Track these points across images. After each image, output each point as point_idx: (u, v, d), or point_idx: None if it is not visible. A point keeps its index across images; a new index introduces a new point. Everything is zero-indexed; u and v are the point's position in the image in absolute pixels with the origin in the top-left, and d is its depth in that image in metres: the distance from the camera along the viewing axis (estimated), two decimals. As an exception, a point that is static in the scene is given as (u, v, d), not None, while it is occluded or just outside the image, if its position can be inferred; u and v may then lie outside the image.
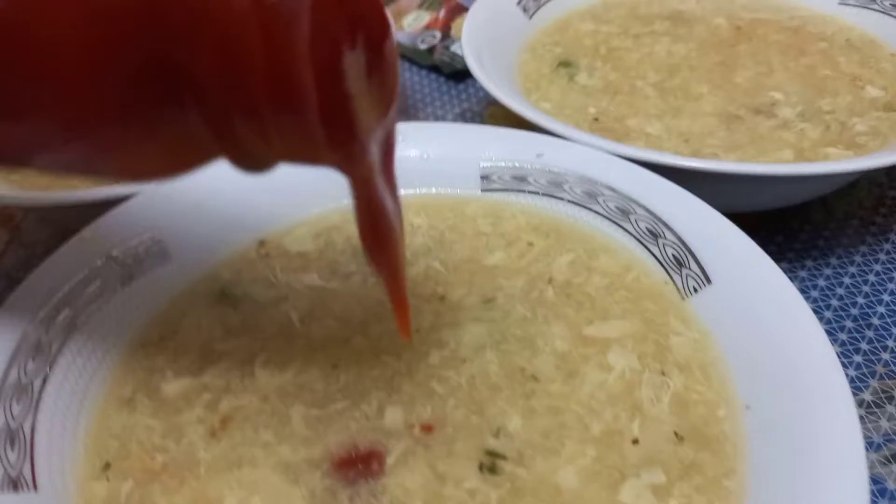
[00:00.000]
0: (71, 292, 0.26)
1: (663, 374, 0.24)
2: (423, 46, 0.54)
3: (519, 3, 0.46)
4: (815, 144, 0.35)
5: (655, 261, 0.28)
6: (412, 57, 0.55)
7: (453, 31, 0.55)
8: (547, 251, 0.30)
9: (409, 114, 0.50)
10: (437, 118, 0.49)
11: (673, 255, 0.28)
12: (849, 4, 0.45)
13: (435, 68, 0.54)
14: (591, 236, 0.30)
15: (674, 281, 0.27)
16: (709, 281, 0.26)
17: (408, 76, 0.54)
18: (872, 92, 0.39)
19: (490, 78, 0.37)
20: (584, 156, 0.31)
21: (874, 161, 0.30)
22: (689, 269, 0.27)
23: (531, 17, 0.46)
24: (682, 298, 0.27)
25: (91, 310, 0.26)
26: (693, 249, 0.27)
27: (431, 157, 0.33)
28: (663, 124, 0.37)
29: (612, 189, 0.30)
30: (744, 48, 0.43)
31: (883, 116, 0.37)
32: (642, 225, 0.29)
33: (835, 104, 0.38)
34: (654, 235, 0.28)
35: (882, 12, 0.43)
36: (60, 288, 0.26)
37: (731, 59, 0.42)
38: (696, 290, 0.26)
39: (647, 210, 0.29)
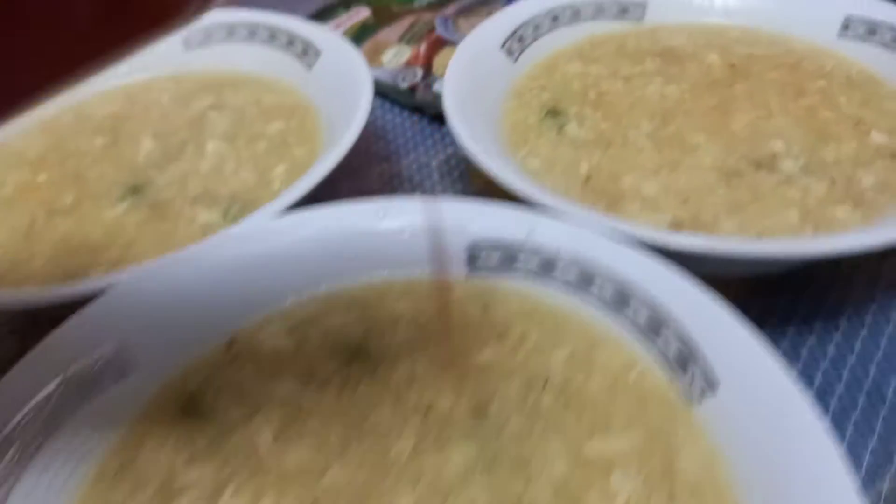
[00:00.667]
0: (20, 426, 0.24)
1: (671, 499, 0.22)
2: (404, 85, 0.52)
3: (503, 45, 0.43)
4: (821, 202, 0.33)
5: (658, 356, 0.26)
6: (394, 97, 0.53)
7: (435, 68, 0.53)
8: (542, 345, 0.28)
9: (392, 160, 0.48)
10: (420, 165, 0.47)
11: (676, 353, 0.25)
12: (847, 38, 0.42)
13: (418, 109, 0.52)
14: (588, 325, 0.28)
15: (679, 382, 0.25)
16: (716, 385, 0.24)
17: (389, 118, 0.52)
18: (877, 138, 0.37)
19: (474, 136, 0.35)
20: (576, 235, 0.29)
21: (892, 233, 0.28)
22: (695, 370, 0.25)
23: (516, 59, 0.43)
24: (689, 404, 0.25)
25: (42, 443, 0.24)
26: (698, 348, 0.25)
27: (415, 233, 0.31)
28: (660, 183, 0.35)
29: (608, 272, 0.28)
30: (740, 88, 0.41)
31: (890, 167, 0.35)
32: (642, 316, 0.27)
33: (839, 153, 0.36)
34: (655, 329, 0.26)
35: (882, 46, 0.41)
36: (7, 423, 0.24)
37: (728, 102, 0.40)
38: (703, 393, 0.24)
39: (646, 299, 0.27)
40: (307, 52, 0.45)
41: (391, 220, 0.32)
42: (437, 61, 0.54)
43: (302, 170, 0.37)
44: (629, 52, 0.45)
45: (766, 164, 0.36)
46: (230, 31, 0.48)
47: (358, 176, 0.47)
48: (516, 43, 0.44)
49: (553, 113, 0.40)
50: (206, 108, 0.44)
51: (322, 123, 0.42)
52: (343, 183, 0.45)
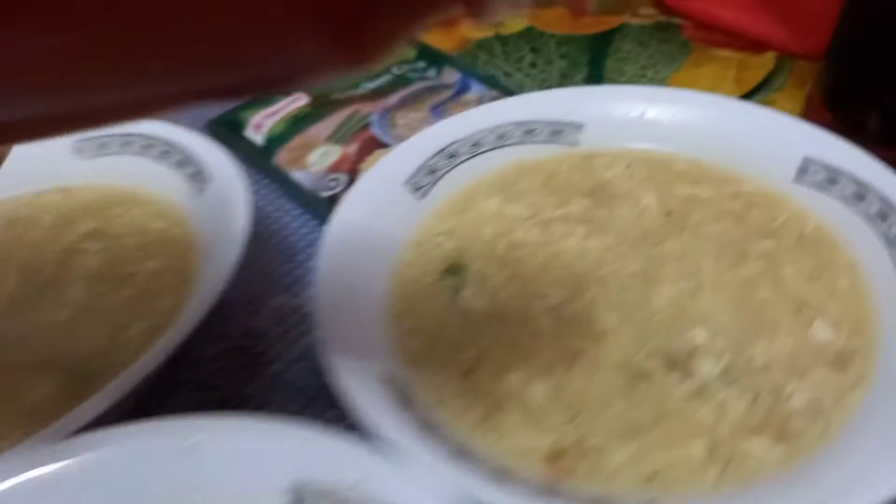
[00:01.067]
0: None
1: None
2: (324, 195, 0.47)
3: (409, 181, 0.38)
4: (735, 431, 0.27)
5: None
6: (311, 209, 0.48)
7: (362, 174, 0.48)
8: None
9: (294, 290, 0.43)
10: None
11: None
12: (804, 183, 0.36)
13: (335, 223, 0.47)
14: None
15: None
16: None
17: (304, 234, 0.47)
18: (820, 332, 0.31)
19: (342, 332, 0.29)
20: (417, 489, 0.24)
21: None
22: None
23: (424, 196, 0.38)
24: None
25: None
26: None
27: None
28: (551, 385, 0.29)
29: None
30: (672, 246, 0.35)
31: (829, 379, 0.29)
32: None
33: (770, 353, 0.30)
34: None
35: (842, 201, 0.35)
36: None
37: (654, 266, 0.34)
38: None
39: None
40: (198, 177, 0.41)
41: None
42: (366, 165, 0.49)
43: (160, 330, 0.33)
44: (557, 186, 0.39)
45: (682, 363, 0.30)
46: (125, 142, 0.44)
47: (251, 308, 0.42)
48: (426, 176, 0.39)
49: (452, 270, 0.35)
50: (84, 237, 0.40)
51: (199, 267, 0.37)
52: (235, 320, 0.40)
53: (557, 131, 0.41)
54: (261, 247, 0.44)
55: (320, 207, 0.47)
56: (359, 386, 0.27)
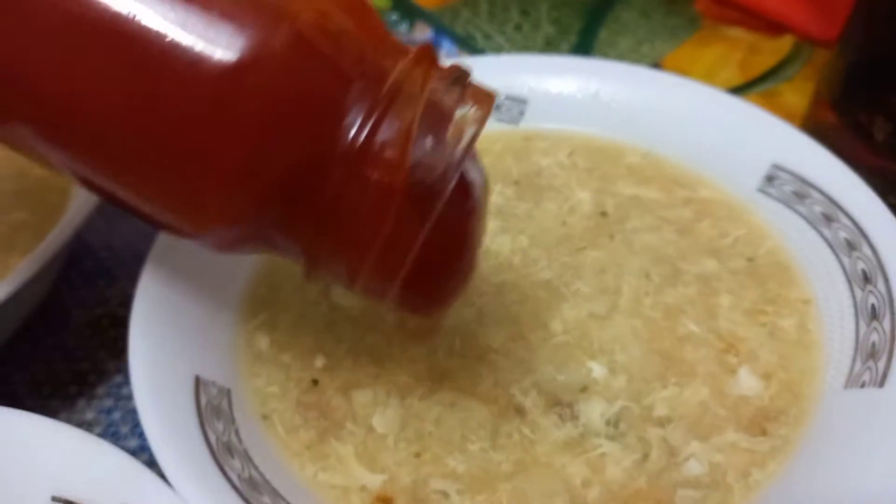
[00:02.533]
0: None
1: None
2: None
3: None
4: (607, 496, 0.22)
5: None
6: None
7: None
8: None
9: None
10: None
11: None
12: (769, 195, 0.30)
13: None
14: None
15: None
16: None
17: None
18: (746, 381, 0.25)
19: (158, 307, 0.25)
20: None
21: None
22: None
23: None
24: None
25: None
26: None
27: None
28: (400, 412, 0.24)
29: None
30: (593, 257, 0.29)
31: (741, 444, 0.23)
32: None
33: (676, 403, 0.24)
34: None
35: (808, 223, 0.28)
36: None
37: (565, 280, 0.28)
38: None
39: None
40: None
41: None
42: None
43: None
44: (493, 170, 0.33)
45: (566, 403, 0.24)
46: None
47: (135, 277, 0.37)
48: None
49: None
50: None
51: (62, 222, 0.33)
52: (117, 284, 0.36)
53: (497, 104, 0.35)
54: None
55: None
56: (153, 391, 0.22)
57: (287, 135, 0.16)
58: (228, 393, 0.24)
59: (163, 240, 0.27)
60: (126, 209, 0.19)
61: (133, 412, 0.32)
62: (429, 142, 0.17)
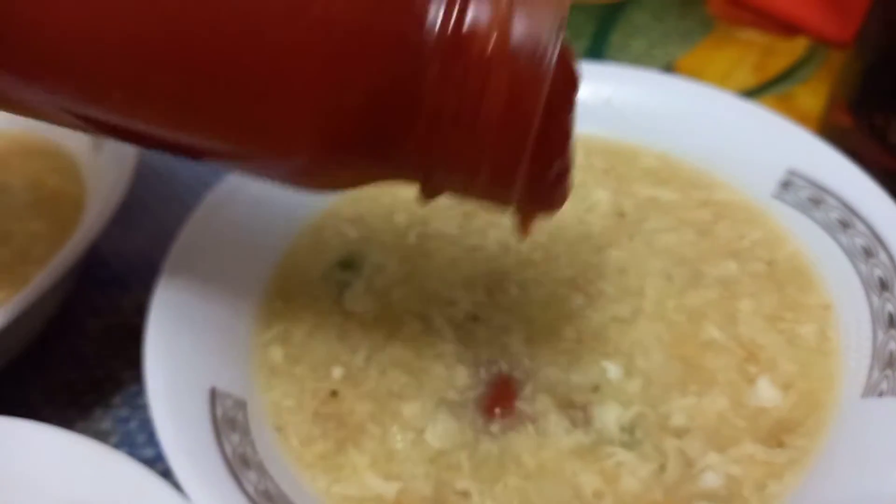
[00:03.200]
0: None
1: None
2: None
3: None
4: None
5: None
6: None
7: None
8: None
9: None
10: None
11: None
12: (785, 201, 0.30)
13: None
14: None
15: None
16: None
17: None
18: (765, 391, 0.24)
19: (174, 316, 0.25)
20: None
21: None
22: None
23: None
24: None
25: None
26: None
27: None
28: (413, 425, 0.24)
29: None
30: (615, 256, 0.29)
31: (758, 455, 0.23)
32: None
33: (695, 412, 0.24)
34: None
35: (825, 228, 0.28)
36: None
37: (587, 278, 0.28)
38: None
39: None
40: (102, 129, 0.36)
41: None
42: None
43: None
44: (498, 173, 0.33)
45: (580, 405, 0.24)
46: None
47: (149, 286, 0.37)
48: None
49: (346, 263, 0.30)
50: (-23, 187, 0.37)
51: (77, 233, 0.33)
52: (131, 293, 0.36)
53: (509, 111, 0.35)
54: (174, 209, 0.40)
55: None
56: (169, 403, 0.22)
57: (370, 46, 0.16)
58: (244, 405, 0.24)
59: (177, 250, 0.27)
60: (206, 154, 0.19)
61: (149, 421, 0.32)
62: (523, 12, 0.16)
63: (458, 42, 0.16)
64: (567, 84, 0.18)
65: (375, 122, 0.17)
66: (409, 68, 0.16)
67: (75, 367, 0.34)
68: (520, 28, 0.16)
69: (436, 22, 0.16)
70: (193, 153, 0.19)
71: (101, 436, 0.31)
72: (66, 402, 0.32)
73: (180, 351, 0.24)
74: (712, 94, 0.33)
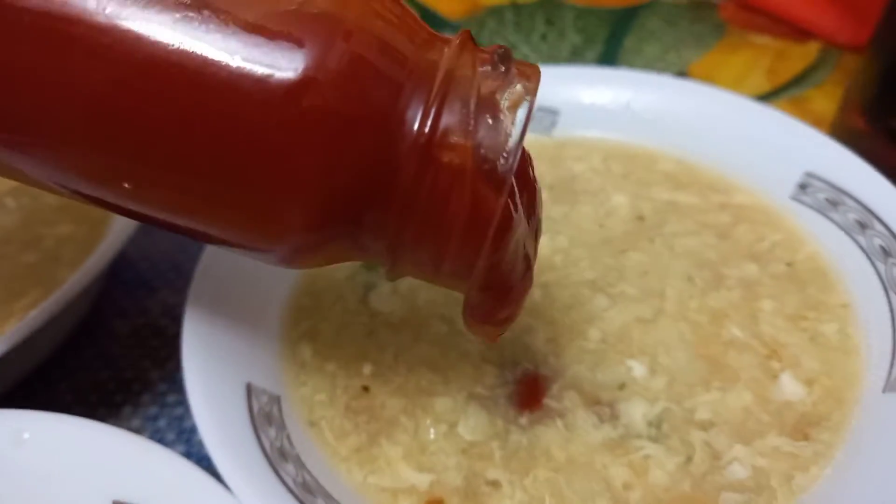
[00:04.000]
0: None
1: None
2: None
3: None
4: (651, 499, 0.22)
5: None
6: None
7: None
8: None
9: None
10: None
11: None
12: (803, 203, 0.30)
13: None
14: None
15: None
16: None
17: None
18: (788, 386, 0.25)
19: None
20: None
21: None
22: None
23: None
24: None
25: None
26: None
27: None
28: (444, 421, 0.25)
29: None
30: (636, 259, 0.30)
31: (784, 448, 0.23)
32: None
33: (720, 407, 0.24)
34: None
35: (843, 230, 0.28)
36: None
37: (608, 280, 0.29)
38: None
39: None
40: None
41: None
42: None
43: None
44: (517, 176, 0.34)
45: (606, 402, 0.25)
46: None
47: (179, 284, 0.38)
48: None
49: (371, 265, 0.31)
50: (6, 192, 0.37)
51: (108, 236, 0.34)
52: (158, 295, 0.37)
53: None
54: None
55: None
56: (208, 399, 0.23)
57: (353, 142, 0.17)
58: (279, 400, 0.25)
59: (209, 254, 0.28)
60: (185, 232, 0.20)
61: (178, 419, 0.33)
62: (488, 120, 0.17)
63: (430, 147, 0.17)
64: (528, 188, 0.20)
65: (356, 206, 0.18)
66: (389, 160, 0.17)
67: (104, 367, 0.34)
68: (486, 139, 0.17)
69: (413, 123, 0.17)
70: (191, 236, 0.20)
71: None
72: (97, 402, 0.33)
73: (216, 350, 0.25)
74: (729, 98, 0.34)
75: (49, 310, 0.28)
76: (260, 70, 0.16)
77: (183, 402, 0.32)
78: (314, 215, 0.18)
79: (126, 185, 0.18)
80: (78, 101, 0.17)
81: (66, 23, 0.16)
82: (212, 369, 0.24)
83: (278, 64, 0.16)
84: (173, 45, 0.16)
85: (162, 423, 0.32)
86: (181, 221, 0.19)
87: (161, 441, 0.32)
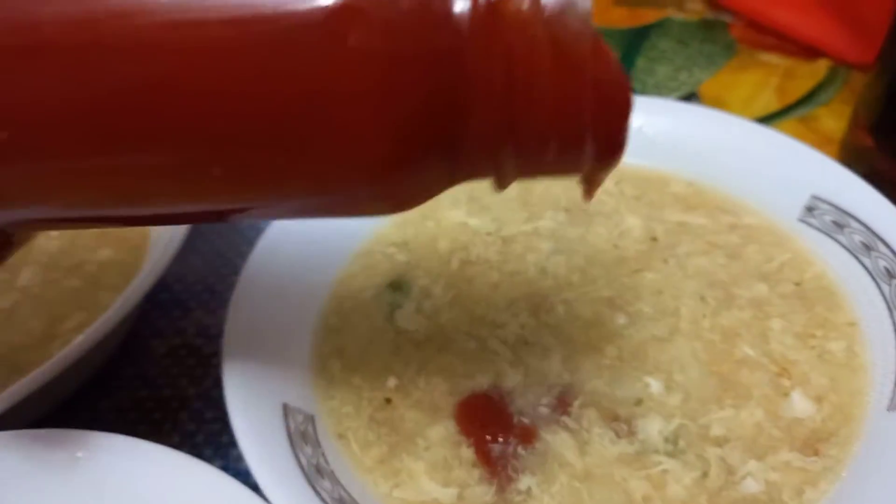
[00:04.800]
0: None
1: None
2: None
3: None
4: (671, 511, 0.24)
5: None
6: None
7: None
8: None
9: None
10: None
11: None
12: (810, 225, 0.31)
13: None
14: None
15: None
16: None
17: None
18: (798, 404, 0.26)
19: (252, 340, 0.27)
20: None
21: None
22: None
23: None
24: None
25: None
26: None
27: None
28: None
29: None
30: (650, 279, 0.31)
31: (795, 463, 0.24)
32: None
33: (733, 423, 0.26)
34: None
35: (848, 251, 0.29)
36: None
37: (623, 299, 0.30)
38: None
39: None
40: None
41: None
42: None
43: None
44: (532, 198, 0.35)
45: (624, 418, 0.26)
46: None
47: (212, 304, 0.40)
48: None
49: (395, 286, 0.32)
50: (49, 218, 0.39)
51: (147, 259, 0.36)
52: (193, 315, 0.39)
53: (544, 140, 0.37)
54: (231, 235, 0.42)
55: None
56: (247, 418, 0.24)
57: (412, 54, 0.16)
58: (313, 419, 0.26)
59: (245, 278, 0.29)
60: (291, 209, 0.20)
61: (215, 434, 0.34)
62: None
63: (491, 11, 0.16)
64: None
65: (437, 120, 0.17)
66: (451, 54, 0.16)
67: (143, 386, 0.36)
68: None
69: (463, 6, 0.16)
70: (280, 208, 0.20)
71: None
72: (137, 420, 0.35)
73: (254, 371, 0.26)
74: (738, 123, 0.35)
75: (100, 332, 0.30)
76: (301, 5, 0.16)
77: (220, 418, 0.33)
78: (403, 143, 0.17)
79: (216, 171, 0.18)
80: (176, 104, 0.17)
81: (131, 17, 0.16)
82: (251, 390, 0.25)
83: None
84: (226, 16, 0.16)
85: (199, 438, 0.33)
86: (285, 193, 0.19)
87: (200, 457, 0.33)
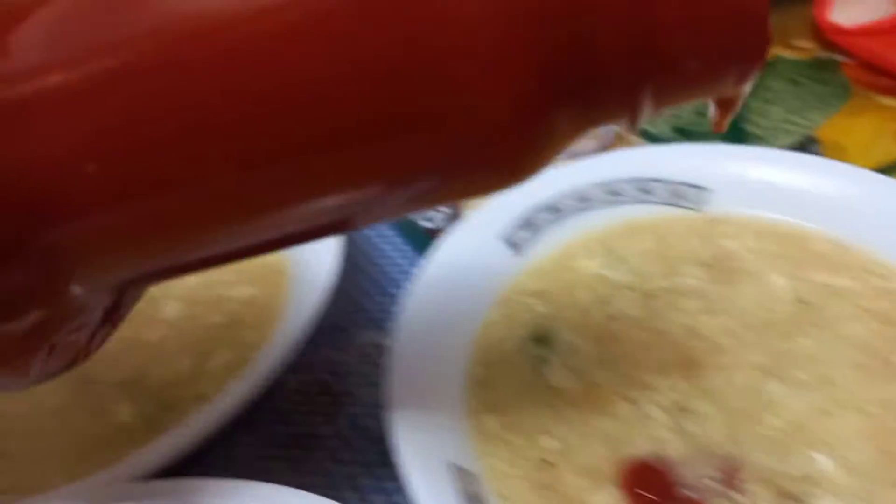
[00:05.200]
0: None
1: None
2: (424, 224, 0.46)
3: (505, 235, 0.36)
4: None
5: None
6: (409, 237, 0.46)
7: (465, 212, 0.46)
8: None
9: (386, 326, 0.42)
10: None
11: None
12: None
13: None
14: None
15: None
16: None
17: (400, 266, 0.45)
18: (974, 486, 0.25)
19: (413, 393, 0.28)
20: None
21: None
22: None
23: (518, 252, 0.36)
24: None
25: None
26: None
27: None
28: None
29: None
30: (803, 345, 0.30)
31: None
32: None
33: (906, 502, 0.25)
34: None
35: None
36: None
37: (780, 366, 0.30)
38: None
39: None
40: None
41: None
42: (471, 204, 0.47)
43: (240, 364, 0.32)
44: (670, 251, 0.35)
45: (797, 495, 0.26)
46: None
47: (340, 341, 0.41)
48: (523, 230, 0.36)
49: (539, 338, 0.32)
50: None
51: (288, 299, 0.37)
52: (322, 351, 0.39)
53: (679, 193, 0.37)
54: (355, 273, 0.43)
55: (418, 237, 0.45)
56: (425, 477, 0.25)
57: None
58: (478, 479, 0.27)
59: (400, 334, 0.30)
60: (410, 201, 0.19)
61: (350, 477, 0.35)
62: None
63: None
64: None
65: (569, 60, 0.16)
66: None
67: (277, 422, 0.37)
68: None
69: None
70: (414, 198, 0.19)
71: (308, 487, 0.34)
72: (274, 456, 0.36)
73: (421, 429, 0.27)
74: (876, 178, 0.35)
75: (269, 370, 0.31)
76: None
77: (356, 460, 0.34)
78: (532, 78, 0.16)
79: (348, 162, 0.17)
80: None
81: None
82: (419, 447, 0.26)
83: None
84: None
85: (336, 478, 0.34)
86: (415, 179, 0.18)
87: (336, 498, 0.34)
